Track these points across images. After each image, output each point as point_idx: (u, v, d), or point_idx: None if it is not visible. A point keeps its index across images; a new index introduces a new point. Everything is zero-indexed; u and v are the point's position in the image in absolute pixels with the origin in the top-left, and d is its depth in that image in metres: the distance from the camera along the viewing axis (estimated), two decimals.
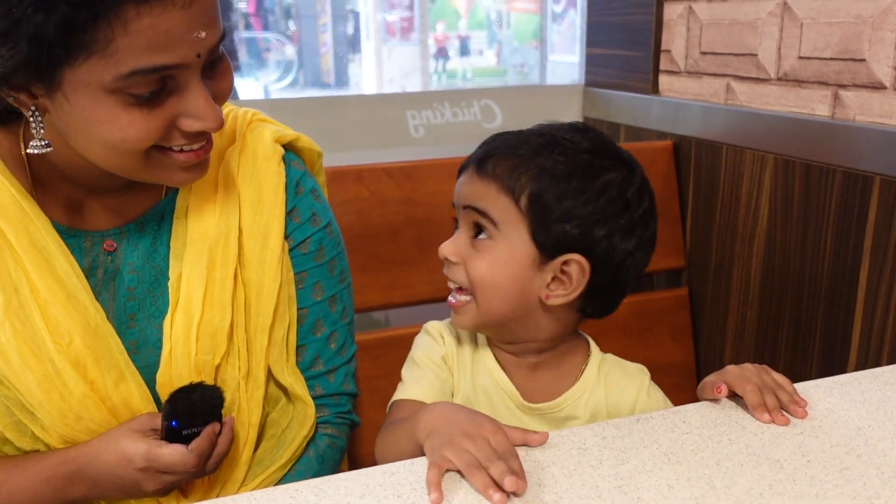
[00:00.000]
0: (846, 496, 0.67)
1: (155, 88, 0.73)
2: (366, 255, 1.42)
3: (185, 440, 0.80)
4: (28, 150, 0.78)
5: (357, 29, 3.29)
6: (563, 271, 0.82)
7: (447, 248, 0.85)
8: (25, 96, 0.75)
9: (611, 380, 0.90)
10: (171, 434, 0.80)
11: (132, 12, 0.67)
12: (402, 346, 0.96)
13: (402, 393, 0.89)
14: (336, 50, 3.35)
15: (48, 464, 0.82)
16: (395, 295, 1.46)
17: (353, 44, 3.32)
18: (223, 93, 0.80)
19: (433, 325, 0.94)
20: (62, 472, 0.82)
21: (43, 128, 0.77)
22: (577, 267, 0.82)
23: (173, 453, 0.79)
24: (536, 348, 0.88)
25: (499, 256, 0.82)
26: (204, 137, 0.80)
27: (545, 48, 2.64)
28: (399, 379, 0.92)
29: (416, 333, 0.95)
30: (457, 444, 0.68)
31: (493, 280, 0.83)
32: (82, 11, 0.66)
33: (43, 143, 0.78)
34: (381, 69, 3.31)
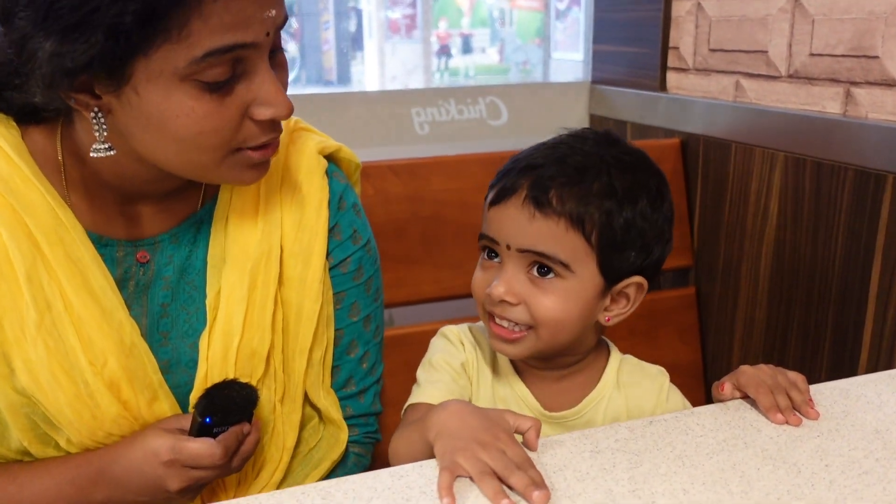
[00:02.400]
0: (866, 501, 0.65)
1: (227, 74, 0.70)
2: None
3: (213, 437, 0.78)
4: (91, 154, 0.74)
5: (360, 26, 3.27)
6: (620, 292, 0.82)
7: (501, 290, 0.79)
8: (88, 97, 0.71)
9: (630, 383, 0.88)
10: (201, 430, 0.78)
11: None
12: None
13: (418, 396, 0.86)
14: (339, 47, 3.34)
15: (72, 464, 0.80)
16: (400, 293, 1.44)
17: (356, 41, 3.30)
18: (283, 84, 0.78)
19: (451, 331, 0.91)
20: (86, 471, 0.79)
21: (106, 130, 0.73)
22: (635, 287, 0.82)
23: (200, 445, 0.76)
24: (569, 362, 0.87)
25: (568, 294, 0.79)
26: (274, 130, 0.77)
27: (548, 45, 2.62)
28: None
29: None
30: (469, 451, 0.66)
31: (564, 317, 0.79)
32: None
33: (106, 147, 0.74)
34: (384, 67, 3.29)
